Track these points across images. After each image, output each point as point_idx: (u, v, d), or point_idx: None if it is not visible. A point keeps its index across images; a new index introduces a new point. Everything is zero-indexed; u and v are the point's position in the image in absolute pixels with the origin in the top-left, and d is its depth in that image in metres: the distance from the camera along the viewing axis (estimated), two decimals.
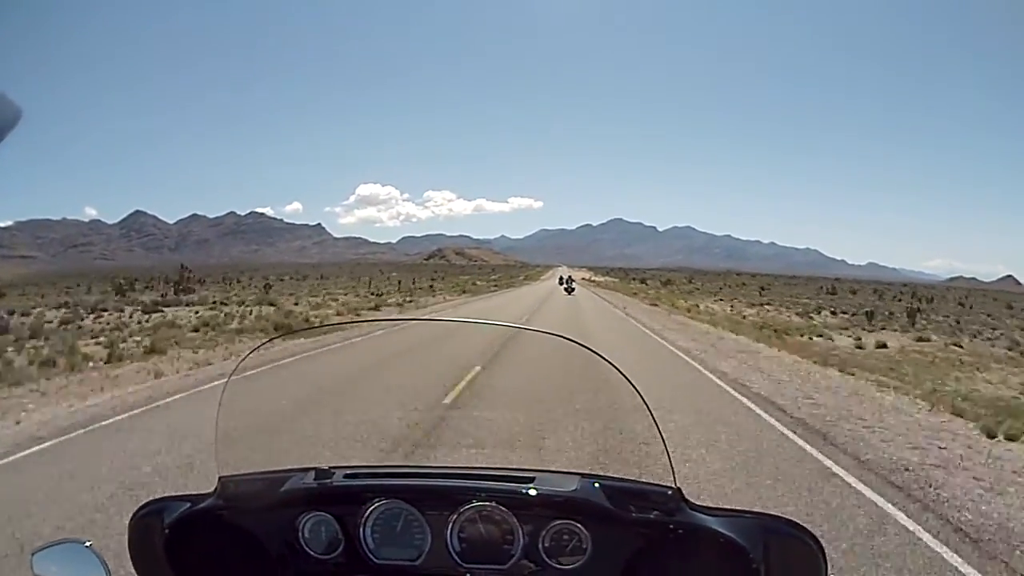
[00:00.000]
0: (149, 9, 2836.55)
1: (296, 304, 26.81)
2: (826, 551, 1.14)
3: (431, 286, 45.07)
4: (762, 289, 76.70)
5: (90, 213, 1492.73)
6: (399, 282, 49.81)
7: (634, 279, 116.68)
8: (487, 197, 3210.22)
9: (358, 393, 8.09)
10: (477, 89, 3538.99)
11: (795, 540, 1.17)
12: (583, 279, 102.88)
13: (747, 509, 1.30)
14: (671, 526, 1.22)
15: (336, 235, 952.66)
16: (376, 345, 13.25)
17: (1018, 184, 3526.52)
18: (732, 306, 37.57)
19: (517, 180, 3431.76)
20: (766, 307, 38.62)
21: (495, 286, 62.13)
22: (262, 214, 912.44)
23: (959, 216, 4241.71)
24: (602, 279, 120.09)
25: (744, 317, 25.64)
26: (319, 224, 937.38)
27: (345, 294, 35.37)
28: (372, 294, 33.92)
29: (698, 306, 30.61)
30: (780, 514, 1.26)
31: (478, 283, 67.52)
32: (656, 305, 31.18)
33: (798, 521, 1.21)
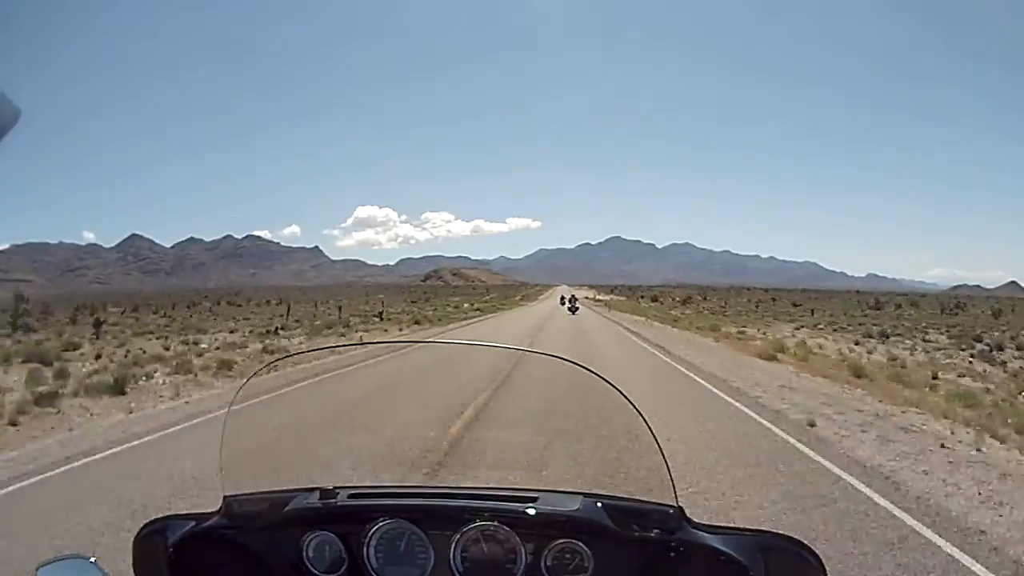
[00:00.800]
0: (147, 32, 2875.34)
1: (98, 357, 15.45)
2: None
3: (380, 314, 33.07)
4: (796, 306, 65.17)
5: (88, 237, 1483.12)
6: (339, 308, 38.17)
7: (642, 296, 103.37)
8: (485, 218, 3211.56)
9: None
10: (473, 110, 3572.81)
11: (795, 557, 1.17)
12: (586, 299, 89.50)
13: (748, 527, 1.31)
14: (672, 544, 1.23)
15: (334, 258, 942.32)
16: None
17: (1014, 189, 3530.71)
18: (855, 343, 23.73)
19: (515, 200, 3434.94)
20: (888, 339, 24.96)
21: (478, 311, 49.23)
22: (259, 237, 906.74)
23: (955, 224, 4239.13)
24: (607, 297, 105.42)
25: (902, 366, 13.93)
26: (316, 247, 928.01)
27: (232, 331, 24.01)
28: (274, 330, 22.68)
29: (811, 350, 17.51)
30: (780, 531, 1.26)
31: (463, 307, 55.48)
32: (775, 359, 15.12)
33: (801, 539, 1.19)
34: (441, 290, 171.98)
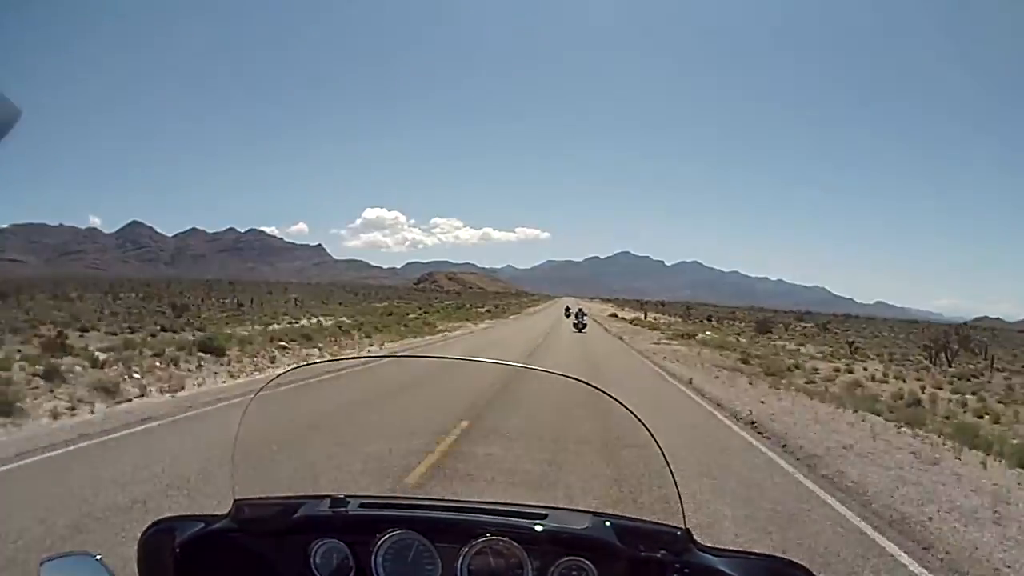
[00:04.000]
0: (164, 25, 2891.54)
1: None
2: None
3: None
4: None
5: (95, 222, 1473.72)
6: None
7: (709, 317, 69.46)
8: (494, 226, 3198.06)
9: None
10: (484, 117, 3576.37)
11: None
12: (613, 318, 59.44)
13: (754, 551, 1.32)
14: (678, 565, 1.23)
15: (337, 257, 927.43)
16: None
17: (1021, 223, 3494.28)
18: None
19: (524, 210, 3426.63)
20: None
21: (405, 327, 30.09)
22: (262, 232, 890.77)
23: (960, 255, 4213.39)
24: (656, 317, 65.52)
25: None
26: (319, 245, 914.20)
27: None
28: None
29: None
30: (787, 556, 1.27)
31: (391, 320, 36.08)
32: None
33: (804, 564, 1.20)
34: (420, 296, 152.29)
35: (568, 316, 39.91)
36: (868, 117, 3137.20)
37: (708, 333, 35.98)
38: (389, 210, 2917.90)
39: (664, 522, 1.36)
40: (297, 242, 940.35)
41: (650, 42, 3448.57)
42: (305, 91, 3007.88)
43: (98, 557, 1.19)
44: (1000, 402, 16.61)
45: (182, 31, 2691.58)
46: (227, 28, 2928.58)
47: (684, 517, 1.29)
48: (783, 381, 16.43)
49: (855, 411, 11.44)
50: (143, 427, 7.82)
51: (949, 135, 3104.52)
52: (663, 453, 1.38)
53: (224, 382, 12.00)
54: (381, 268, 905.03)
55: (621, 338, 31.70)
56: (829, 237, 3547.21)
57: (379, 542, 1.34)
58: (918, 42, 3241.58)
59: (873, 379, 20.51)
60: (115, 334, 19.58)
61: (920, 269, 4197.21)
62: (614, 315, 67.66)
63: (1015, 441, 8.96)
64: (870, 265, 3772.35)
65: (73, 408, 8.63)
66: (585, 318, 34.95)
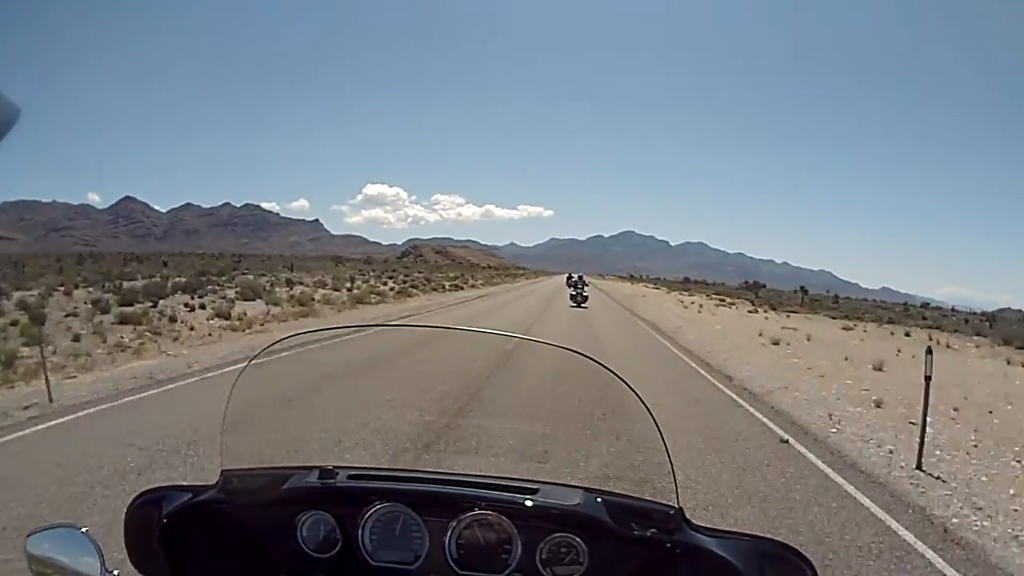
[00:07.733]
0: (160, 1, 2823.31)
1: None
2: None
3: None
4: None
5: (93, 199, 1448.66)
6: None
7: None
8: (497, 203, 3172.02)
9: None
10: (488, 92, 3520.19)
11: (790, 565, 1.17)
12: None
13: (746, 532, 1.32)
14: (669, 544, 1.23)
15: (335, 232, 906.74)
16: None
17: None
18: None
19: (527, 188, 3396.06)
20: None
21: None
22: (258, 207, 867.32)
23: (963, 244, 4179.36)
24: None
25: None
26: (316, 220, 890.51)
27: None
28: None
29: None
30: (777, 538, 1.28)
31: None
32: None
33: (796, 547, 1.20)
34: (394, 268, 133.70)
35: (569, 285, 36.04)
36: (878, 103, 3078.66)
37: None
38: (391, 186, 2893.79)
39: (657, 500, 1.34)
40: (295, 218, 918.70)
41: (657, 25, 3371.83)
42: (309, 67, 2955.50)
43: (83, 529, 1.18)
44: None
45: (182, 6, 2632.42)
46: (228, 3, 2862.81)
47: (678, 496, 1.27)
48: None
49: None
50: None
51: (957, 124, 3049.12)
52: (661, 433, 1.35)
53: None
54: (380, 244, 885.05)
55: None
56: (836, 222, 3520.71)
57: (367, 514, 1.32)
58: (927, 29, 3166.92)
59: None
60: None
61: (924, 257, 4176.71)
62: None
63: None
64: (875, 251, 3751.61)
65: None
66: (586, 289, 31.38)
